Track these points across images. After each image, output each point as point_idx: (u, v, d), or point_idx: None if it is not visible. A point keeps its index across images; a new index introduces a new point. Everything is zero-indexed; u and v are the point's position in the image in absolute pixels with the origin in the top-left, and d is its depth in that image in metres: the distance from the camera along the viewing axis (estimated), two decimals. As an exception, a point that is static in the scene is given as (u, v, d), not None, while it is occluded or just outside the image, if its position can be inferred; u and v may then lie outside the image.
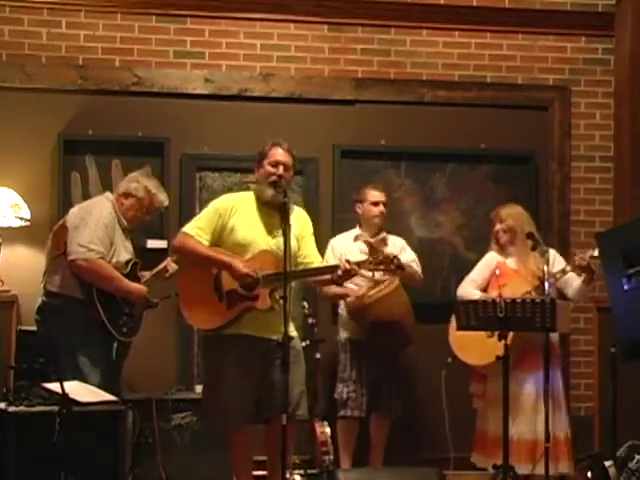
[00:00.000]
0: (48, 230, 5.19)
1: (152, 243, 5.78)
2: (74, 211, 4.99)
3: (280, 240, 4.29)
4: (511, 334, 4.78)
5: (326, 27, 6.16)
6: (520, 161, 6.33)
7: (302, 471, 5.50)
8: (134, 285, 4.93)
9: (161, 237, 5.83)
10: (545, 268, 4.87)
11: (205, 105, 6.03)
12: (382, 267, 4.38)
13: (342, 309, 5.57)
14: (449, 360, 5.21)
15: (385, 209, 5.60)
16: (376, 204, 5.58)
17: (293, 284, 4.45)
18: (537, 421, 4.96)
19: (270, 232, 4.47)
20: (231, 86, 6.06)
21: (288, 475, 4.55)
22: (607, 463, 4.76)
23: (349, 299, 5.41)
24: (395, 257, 4.34)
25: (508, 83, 6.32)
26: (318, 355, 5.45)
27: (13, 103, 5.83)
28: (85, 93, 5.91)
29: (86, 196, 5.67)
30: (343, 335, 5.55)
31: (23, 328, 5.43)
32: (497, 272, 5.18)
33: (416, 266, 5.59)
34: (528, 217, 5.40)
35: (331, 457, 5.38)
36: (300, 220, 4.64)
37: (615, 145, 6.35)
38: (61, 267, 4.84)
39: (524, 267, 5.22)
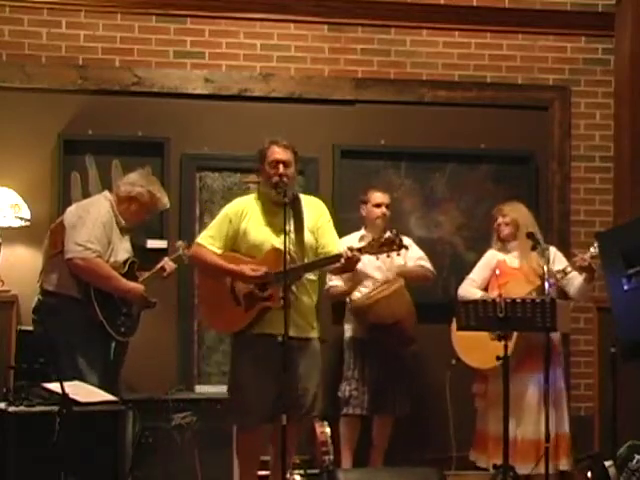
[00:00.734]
0: (48, 230, 5.19)
1: (152, 243, 5.78)
2: (71, 209, 4.97)
3: (290, 237, 4.30)
4: (514, 337, 4.79)
5: (326, 27, 6.16)
6: (520, 161, 6.33)
7: (302, 471, 5.51)
8: (131, 284, 4.91)
9: (161, 237, 5.83)
10: (545, 267, 4.87)
11: (205, 105, 6.02)
12: (385, 249, 4.32)
13: (348, 308, 5.58)
14: (453, 362, 5.21)
15: (388, 211, 5.60)
16: (379, 206, 5.59)
17: (305, 279, 4.47)
18: (541, 421, 4.95)
19: (280, 231, 4.39)
20: (231, 86, 6.06)
21: (288, 475, 4.55)
22: (607, 463, 4.76)
23: (354, 298, 5.40)
24: (397, 236, 4.29)
25: (508, 83, 6.31)
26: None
27: (13, 103, 5.83)
28: (85, 93, 5.91)
29: (86, 196, 5.66)
30: (348, 333, 5.57)
31: (23, 328, 5.42)
32: (497, 272, 5.18)
33: (425, 263, 5.59)
34: (531, 215, 5.41)
35: (331, 457, 5.38)
36: (314, 210, 4.62)
37: (615, 145, 6.35)
38: (58, 266, 4.82)
39: (526, 265, 5.22)
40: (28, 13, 5.85)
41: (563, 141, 6.37)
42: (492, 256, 5.38)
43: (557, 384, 5.11)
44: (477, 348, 4.97)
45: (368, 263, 5.14)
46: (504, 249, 5.37)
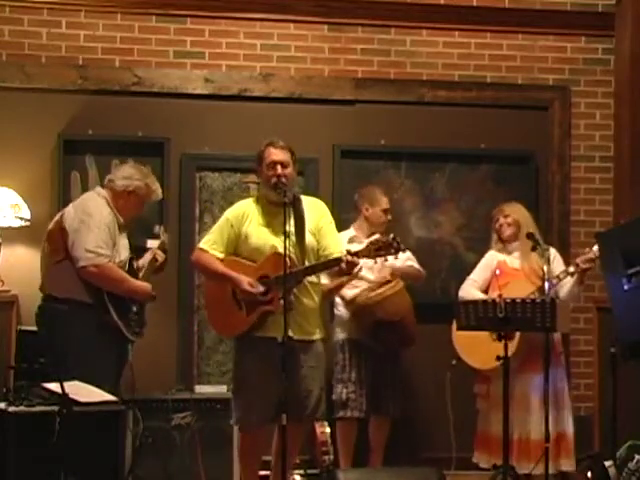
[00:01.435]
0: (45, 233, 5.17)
1: (152, 243, 5.75)
2: (70, 212, 4.81)
3: (291, 239, 4.30)
4: (517, 337, 4.79)
5: (326, 27, 6.16)
6: (520, 161, 6.33)
7: (302, 471, 5.51)
8: (140, 283, 4.88)
9: (160, 237, 5.81)
10: (545, 268, 4.87)
11: (205, 105, 6.03)
12: (383, 252, 4.30)
13: (338, 309, 5.56)
14: (453, 362, 5.20)
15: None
16: (386, 211, 5.59)
17: (307, 281, 4.47)
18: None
19: (281, 233, 4.35)
20: (231, 86, 6.06)
21: (288, 475, 4.55)
22: (607, 463, 4.76)
23: (354, 296, 5.38)
24: (394, 239, 4.27)
25: (508, 83, 6.32)
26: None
27: (13, 103, 5.84)
28: (85, 93, 5.91)
29: (86, 196, 5.66)
30: (341, 335, 5.52)
31: (23, 328, 5.42)
32: (497, 272, 5.17)
33: (414, 263, 5.57)
34: (530, 217, 5.40)
35: (331, 457, 5.39)
36: (315, 212, 4.61)
37: (615, 145, 6.35)
38: (65, 272, 4.71)
39: (527, 265, 5.21)
40: (28, 13, 5.86)
41: (563, 141, 6.37)
42: (492, 257, 5.37)
43: (559, 384, 5.10)
44: (478, 348, 4.97)
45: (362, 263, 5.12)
46: (505, 250, 5.36)
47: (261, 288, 4.41)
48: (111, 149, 5.89)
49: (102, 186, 4.99)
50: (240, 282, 4.44)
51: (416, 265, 5.59)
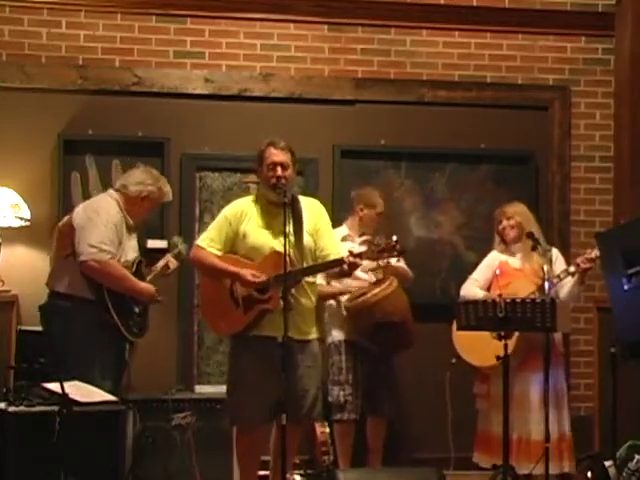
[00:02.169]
0: (48, 230, 5.19)
1: (152, 243, 5.78)
2: (79, 211, 4.86)
3: (290, 240, 4.30)
4: (515, 336, 4.79)
5: (326, 27, 6.16)
6: (520, 161, 6.33)
7: (302, 471, 5.51)
8: (143, 284, 4.88)
9: (161, 237, 5.83)
10: (546, 267, 4.86)
11: (205, 105, 6.03)
12: (385, 254, 4.30)
13: (334, 311, 5.53)
14: (453, 361, 5.19)
15: None
16: (380, 215, 5.58)
17: (304, 281, 4.46)
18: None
19: (279, 233, 4.37)
20: (231, 86, 6.06)
21: (288, 475, 4.55)
22: (607, 463, 4.76)
23: (359, 298, 5.37)
24: (396, 242, 4.25)
25: (508, 83, 6.32)
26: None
27: (13, 103, 5.84)
28: (85, 93, 5.91)
29: (86, 196, 5.66)
30: (337, 337, 5.46)
31: (23, 328, 5.43)
32: (497, 272, 5.16)
33: (402, 263, 5.52)
34: (532, 217, 5.39)
35: (331, 457, 5.39)
36: (313, 212, 4.61)
37: (615, 145, 6.35)
38: (70, 268, 4.75)
39: (529, 266, 5.21)
40: (28, 13, 5.86)
41: (563, 141, 6.37)
42: (495, 257, 5.36)
43: (559, 385, 5.10)
44: (478, 346, 4.96)
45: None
46: (507, 251, 5.34)
47: (264, 277, 4.39)
48: (111, 149, 5.89)
49: (104, 187, 5.04)
50: (242, 275, 4.42)
51: (404, 265, 5.57)
